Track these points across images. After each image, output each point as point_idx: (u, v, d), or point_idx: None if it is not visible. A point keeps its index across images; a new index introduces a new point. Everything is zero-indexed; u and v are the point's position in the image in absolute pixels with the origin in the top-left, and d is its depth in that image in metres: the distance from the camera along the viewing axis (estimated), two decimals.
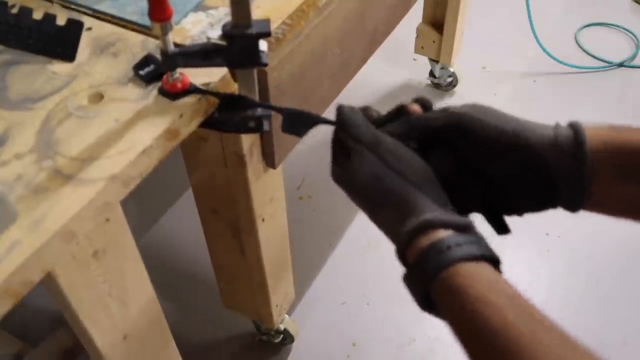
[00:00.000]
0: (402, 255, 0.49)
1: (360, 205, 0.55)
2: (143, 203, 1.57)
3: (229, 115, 0.66)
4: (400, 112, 0.57)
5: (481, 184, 0.52)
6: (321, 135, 1.66)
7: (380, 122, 0.57)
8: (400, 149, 0.52)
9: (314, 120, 0.60)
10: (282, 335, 1.29)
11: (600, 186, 0.49)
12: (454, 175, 0.52)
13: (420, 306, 0.47)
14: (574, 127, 0.50)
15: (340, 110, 0.57)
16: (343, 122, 0.55)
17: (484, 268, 0.44)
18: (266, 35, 0.59)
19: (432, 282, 0.45)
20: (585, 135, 0.49)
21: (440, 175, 0.52)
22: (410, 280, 0.47)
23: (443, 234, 0.46)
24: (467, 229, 0.47)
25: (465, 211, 0.53)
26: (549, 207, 0.52)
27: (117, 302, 0.68)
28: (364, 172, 0.52)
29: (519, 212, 0.53)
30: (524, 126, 0.51)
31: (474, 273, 0.43)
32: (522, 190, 0.51)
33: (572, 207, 0.51)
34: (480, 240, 0.47)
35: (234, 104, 0.65)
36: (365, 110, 0.58)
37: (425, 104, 0.57)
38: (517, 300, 0.42)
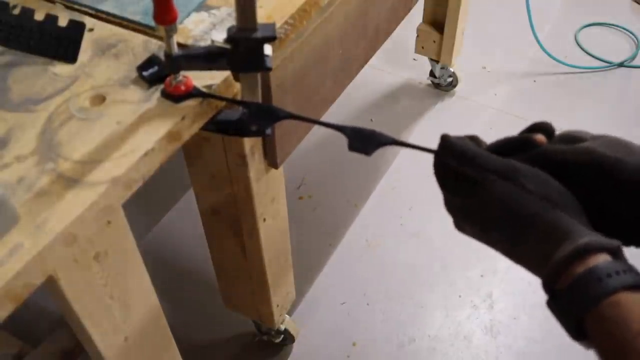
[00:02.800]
0: (552, 282, 0.46)
1: (496, 238, 0.51)
2: (144, 204, 1.57)
3: (259, 123, 0.64)
4: (525, 143, 0.53)
5: (609, 221, 0.50)
6: (321, 135, 1.67)
7: (494, 150, 0.53)
8: (539, 174, 0.48)
9: (388, 140, 0.56)
10: (282, 335, 1.29)
11: None
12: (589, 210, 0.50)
13: (570, 334, 0.45)
14: None
15: (446, 138, 0.52)
16: (456, 151, 0.51)
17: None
18: (272, 39, 0.59)
19: (589, 311, 0.42)
20: None
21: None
22: (562, 307, 0.45)
23: (600, 259, 0.43)
24: (620, 253, 0.45)
25: None
26: None
27: (118, 305, 0.68)
28: (500, 201, 0.48)
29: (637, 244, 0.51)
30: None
31: (635, 304, 0.41)
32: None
33: None
34: (632, 266, 0.44)
35: (262, 114, 0.63)
36: (474, 139, 0.54)
37: (547, 130, 0.54)
38: None
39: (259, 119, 0.64)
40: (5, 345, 1.11)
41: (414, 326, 1.37)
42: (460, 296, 1.42)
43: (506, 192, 0.48)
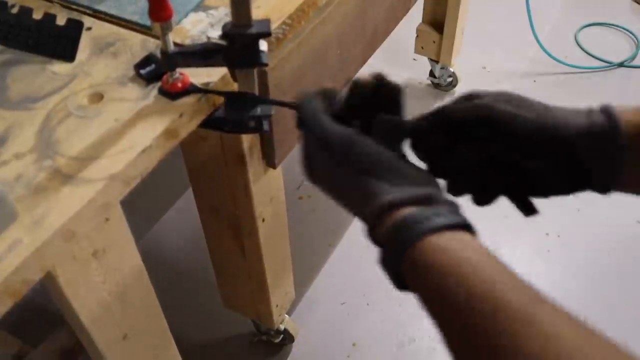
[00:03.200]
0: (373, 239, 0.48)
1: (330, 196, 0.54)
2: (143, 203, 1.57)
3: (236, 114, 0.65)
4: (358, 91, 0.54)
5: (510, 172, 0.51)
6: None
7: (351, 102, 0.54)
8: (349, 138, 0.49)
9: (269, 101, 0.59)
10: (282, 335, 1.29)
11: (631, 168, 0.48)
12: (479, 164, 0.51)
13: (397, 287, 0.46)
14: (607, 112, 0.49)
15: (298, 97, 0.54)
16: (299, 113, 0.53)
17: (455, 239, 0.42)
18: (266, 35, 0.59)
19: (400, 262, 0.43)
20: (618, 120, 0.48)
21: (466, 164, 0.51)
22: (381, 262, 0.46)
23: (408, 210, 0.44)
24: (432, 200, 0.45)
25: (491, 196, 0.52)
26: (578, 191, 0.51)
27: (117, 302, 0.68)
28: (319, 167, 0.51)
29: (547, 195, 0.52)
30: (556, 116, 0.50)
31: (443, 246, 0.42)
32: (553, 177, 0.50)
33: (603, 190, 0.50)
34: (450, 209, 0.45)
35: (239, 101, 0.65)
36: (326, 94, 0.54)
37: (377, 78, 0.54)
38: (479, 272, 0.40)
39: (238, 107, 0.65)
40: (5, 345, 1.11)
41: (414, 326, 1.37)
42: None
43: (321, 161, 0.51)
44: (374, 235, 0.47)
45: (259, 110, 0.67)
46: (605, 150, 0.48)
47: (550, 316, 0.37)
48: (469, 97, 0.53)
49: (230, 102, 0.66)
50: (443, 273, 0.40)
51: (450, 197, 0.48)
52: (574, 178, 0.50)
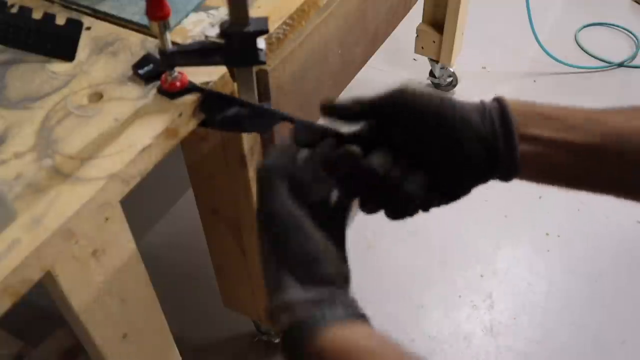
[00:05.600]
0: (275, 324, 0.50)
1: None
2: (143, 203, 1.57)
3: (215, 113, 0.65)
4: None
5: (424, 167, 0.52)
6: None
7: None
8: (286, 224, 0.50)
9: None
10: None
11: (529, 156, 0.50)
12: (391, 165, 0.52)
13: None
14: (499, 101, 0.51)
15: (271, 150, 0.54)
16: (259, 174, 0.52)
17: (342, 330, 0.45)
18: (264, 32, 0.59)
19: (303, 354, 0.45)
20: (509, 105, 0.50)
21: (379, 167, 0.51)
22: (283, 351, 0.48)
23: (304, 309, 0.46)
24: (326, 300, 0.47)
25: (410, 200, 0.53)
26: (487, 180, 0.52)
27: (116, 302, 0.68)
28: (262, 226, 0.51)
29: (464, 188, 0.53)
30: (452, 104, 0.50)
31: (332, 337, 0.44)
32: (460, 167, 0.51)
33: (506, 177, 0.51)
34: (344, 303, 0.47)
35: (219, 102, 0.65)
36: (289, 149, 0.53)
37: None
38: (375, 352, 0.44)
39: (254, 121, 0.65)
40: (5, 345, 1.11)
41: (414, 326, 1.37)
42: (460, 296, 1.42)
43: (264, 235, 0.51)
44: (275, 324, 0.49)
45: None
46: (497, 131, 0.49)
47: None
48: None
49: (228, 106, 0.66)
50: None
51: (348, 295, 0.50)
52: (479, 166, 0.51)
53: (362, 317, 0.47)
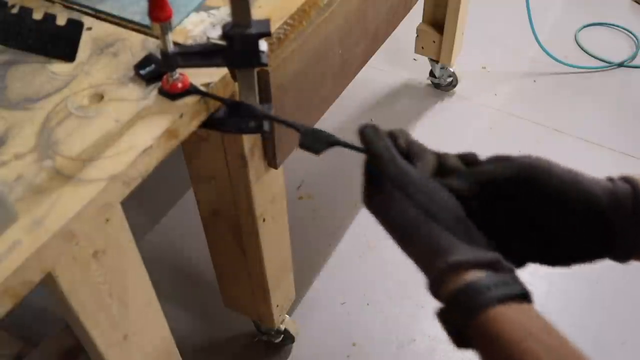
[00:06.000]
0: (435, 292, 0.49)
1: (391, 236, 0.54)
2: (144, 203, 1.57)
3: (234, 120, 0.65)
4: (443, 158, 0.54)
5: (538, 235, 0.52)
6: None
7: (411, 153, 0.54)
8: (429, 187, 0.51)
9: (332, 141, 0.58)
10: (282, 335, 1.29)
11: None
12: (509, 225, 0.52)
13: (455, 343, 0.48)
14: (631, 182, 0.50)
15: (363, 135, 0.54)
16: (368, 152, 0.53)
17: (521, 312, 0.45)
18: (266, 35, 0.59)
19: (469, 324, 0.45)
20: None
21: (496, 224, 0.51)
22: (446, 318, 0.48)
23: (477, 274, 0.46)
24: (498, 266, 0.47)
25: (519, 261, 0.53)
26: (600, 258, 0.52)
27: (117, 303, 0.68)
28: (393, 207, 0.51)
29: (570, 262, 0.53)
30: (585, 181, 0.51)
31: (511, 318, 0.44)
32: (578, 243, 0.51)
33: (624, 257, 0.51)
34: (513, 277, 0.47)
35: (239, 111, 0.65)
36: (393, 136, 0.55)
37: (468, 160, 0.55)
38: (554, 348, 0.43)
39: (237, 116, 0.65)
40: (5, 345, 1.11)
41: (414, 326, 1.37)
42: None
43: (395, 200, 0.51)
44: (436, 290, 0.48)
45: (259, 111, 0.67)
46: (630, 215, 0.49)
47: None
48: (500, 159, 0.53)
49: (232, 110, 0.66)
50: (509, 345, 0.43)
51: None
52: (598, 245, 0.51)
53: (528, 294, 0.47)
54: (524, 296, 0.46)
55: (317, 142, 0.58)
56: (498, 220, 0.52)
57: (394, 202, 0.51)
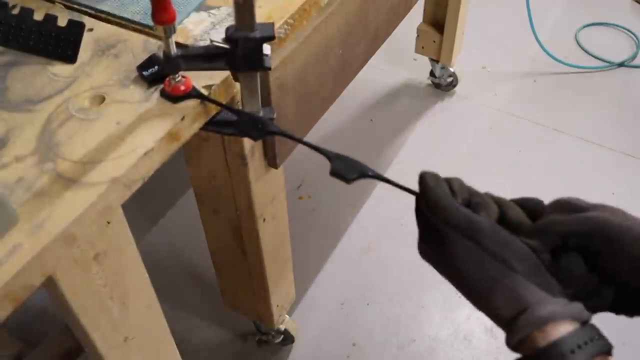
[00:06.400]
0: (516, 347, 0.47)
1: (457, 287, 0.51)
2: (144, 204, 1.57)
3: (250, 133, 0.65)
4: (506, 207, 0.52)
5: (614, 287, 0.50)
6: (321, 135, 1.66)
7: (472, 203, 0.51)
8: (501, 234, 0.48)
9: (372, 175, 0.55)
10: (282, 336, 1.29)
11: None
12: (583, 277, 0.50)
13: None
14: None
15: (423, 181, 0.51)
16: (428, 200, 0.50)
17: None
18: (270, 39, 0.59)
19: None
20: None
21: (567, 275, 0.49)
22: None
23: (562, 330, 0.44)
24: (583, 318, 0.45)
25: (591, 309, 0.51)
26: None
27: (118, 305, 0.68)
28: (464, 260, 0.48)
29: (635, 315, 0.51)
30: None
31: None
32: None
33: None
34: (598, 332, 0.45)
35: (255, 126, 0.64)
36: (451, 183, 0.52)
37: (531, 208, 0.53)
38: None
39: (250, 130, 0.64)
40: (5, 346, 1.11)
41: (414, 327, 1.37)
42: (460, 297, 1.41)
43: (466, 252, 0.48)
44: (520, 345, 0.46)
45: (261, 113, 0.67)
46: None
47: None
48: (567, 208, 0.51)
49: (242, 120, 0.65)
50: None
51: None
52: None
53: (611, 350, 0.45)
54: (608, 352, 0.45)
55: (350, 171, 0.55)
56: (570, 270, 0.49)
57: (463, 254, 0.48)
